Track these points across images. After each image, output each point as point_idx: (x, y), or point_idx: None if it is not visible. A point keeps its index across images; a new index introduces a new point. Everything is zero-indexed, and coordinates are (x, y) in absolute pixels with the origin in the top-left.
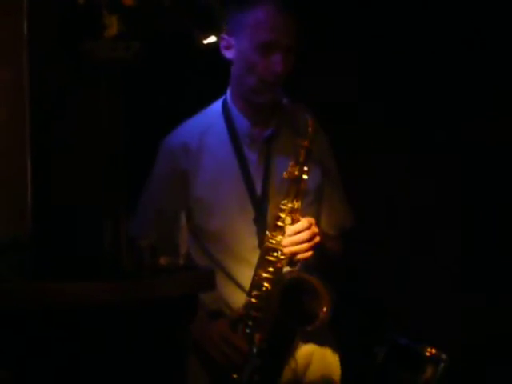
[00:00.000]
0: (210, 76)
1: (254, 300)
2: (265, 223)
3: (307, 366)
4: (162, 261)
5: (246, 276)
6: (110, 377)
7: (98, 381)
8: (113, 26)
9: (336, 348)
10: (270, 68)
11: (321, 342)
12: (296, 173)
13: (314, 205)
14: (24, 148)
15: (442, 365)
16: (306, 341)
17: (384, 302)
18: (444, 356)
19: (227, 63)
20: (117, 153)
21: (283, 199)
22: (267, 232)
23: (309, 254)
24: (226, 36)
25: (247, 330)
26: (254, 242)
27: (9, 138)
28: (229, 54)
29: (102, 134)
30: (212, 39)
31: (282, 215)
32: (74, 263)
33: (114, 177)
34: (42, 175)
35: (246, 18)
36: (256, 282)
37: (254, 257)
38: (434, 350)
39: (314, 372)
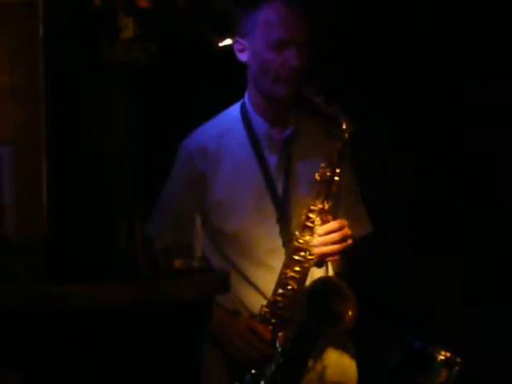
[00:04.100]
0: (227, 78)
1: (279, 298)
2: (288, 224)
3: (324, 369)
4: (177, 263)
5: (262, 278)
6: (124, 379)
7: (113, 383)
8: (128, 27)
9: (353, 351)
10: (285, 64)
11: (338, 345)
12: (328, 174)
13: (332, 209)
14: (40, 149)
15: (457, 368)
16: (323, 344)
17: (398, 306)
18: (458, 359)
19: (244, 65)
20: (132, 154)
21: (313, 200)
22: (296, 232)
23: (338, 256)
24: (239, 39)
25: (270, 328)
26: (273, 243)
27: (25, 140)
28: (243, 57)
29: (117, 134)
30: (228, 42)
31: (312, 216)
32: (90, 265)
33: (128, 179)
34: (58, 176)
35: (256, 18)
36: (282, 281)
37: (272, 259)
38: (448, 354)
39: (330, 375)
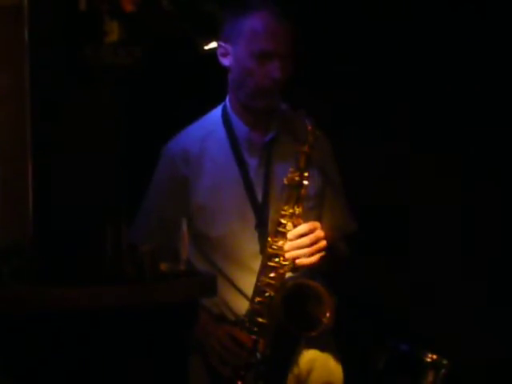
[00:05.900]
0: (211, 81)
1: (257, 306)
2: (266, 229)
3: (309, 372)
4: (163, 266)
5: (247, 282)
6: (110, 381)
7: None
8: (114, 31)
9: (338, 354)
10: (268, 75)
11: (323, 348)
12: (296, 178)
13: (314, 210)
14: (25, 153)
15: (443, 370)
16: (308, 347)
17: (385, 308)
18: (445, 361)
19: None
20: (117, 158)
21: (284, 205)
22: (269, 238)
23: (312, 259)
24: (222, 43)
25: (253, 336)
26: (256, 247)
27: (10, 143)
28: (226, 62)
29: (102, 139)
30: (213, 45)
31: (284, 221)
32: (75, 268)
33: (114, 182)
34: (43, 180)
35: (242, 26)
36: (259, 289)
37: (256, 263)
38: (434, 356)
39: (316, 378)
